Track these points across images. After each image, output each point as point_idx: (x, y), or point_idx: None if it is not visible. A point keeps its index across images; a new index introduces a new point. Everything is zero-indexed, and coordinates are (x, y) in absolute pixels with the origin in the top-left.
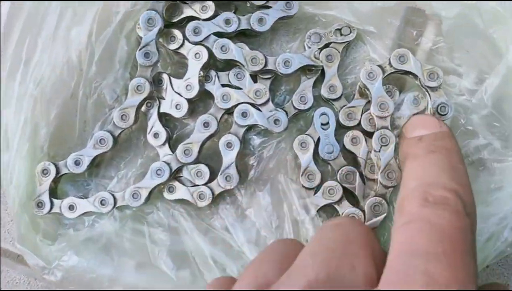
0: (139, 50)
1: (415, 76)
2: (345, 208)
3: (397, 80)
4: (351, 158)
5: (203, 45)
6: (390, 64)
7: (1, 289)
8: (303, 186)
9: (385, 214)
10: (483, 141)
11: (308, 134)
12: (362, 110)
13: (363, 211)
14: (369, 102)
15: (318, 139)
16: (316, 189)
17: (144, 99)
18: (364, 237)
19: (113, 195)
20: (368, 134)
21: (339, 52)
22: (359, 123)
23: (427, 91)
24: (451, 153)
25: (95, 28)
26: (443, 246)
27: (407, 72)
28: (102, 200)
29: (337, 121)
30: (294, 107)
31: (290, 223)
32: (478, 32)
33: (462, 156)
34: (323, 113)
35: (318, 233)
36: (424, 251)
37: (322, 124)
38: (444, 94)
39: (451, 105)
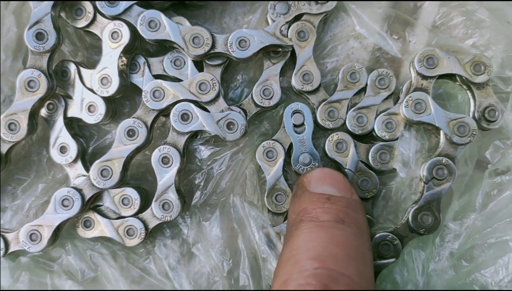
0: (27, 30)
1: (455, 76)
2: None
3: (391, 62)
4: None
5: (122, 20)
6: (417, 72)
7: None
8: (269, 211)
9: (393, 260)
10: None
11: (276, 140)
12: (349, 106)
13: None
14: (357, 94)
15: (290, 146)
16: (287, 214)
17: (42, 100)
18: None
19: (3, 237)
20: (358, 138)
21: (314, 27)
22: (344, 123)
23: (470, 90)
24: (362, 233)
25: None
26: None
27: (444, 75)
28: None
29: (315, 122)
30: (256, 104)
31: (247, 262)
32: None
33: (370, 239)
34: (296, 111)
35: None
36: None
37: (295, 125)
38: (492, 92)
39: (502, 109)
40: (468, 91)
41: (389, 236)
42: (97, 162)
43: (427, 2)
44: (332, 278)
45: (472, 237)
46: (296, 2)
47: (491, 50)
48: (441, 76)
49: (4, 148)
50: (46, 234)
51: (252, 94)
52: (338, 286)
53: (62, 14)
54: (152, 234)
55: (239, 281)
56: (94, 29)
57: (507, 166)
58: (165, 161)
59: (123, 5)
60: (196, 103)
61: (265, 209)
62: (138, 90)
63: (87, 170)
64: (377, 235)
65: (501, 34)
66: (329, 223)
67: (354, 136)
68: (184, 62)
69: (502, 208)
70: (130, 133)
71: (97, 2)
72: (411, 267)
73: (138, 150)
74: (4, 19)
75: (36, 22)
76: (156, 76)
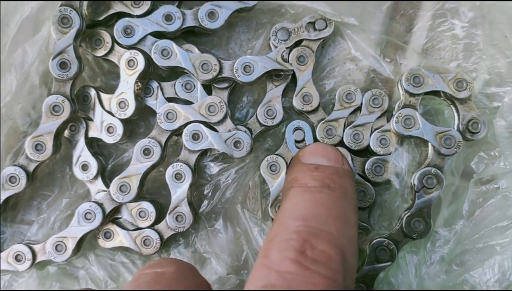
0: (52, 60)
1: (440, 92)
2: None
3: (385, 82)
4: None
5: (138, 49)
6: (405, 90)
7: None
8: (273, 220)
9: (389, 263)
10: (504, 169)
11: (279, 155)
12: (345, 124)
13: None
14: (353, 113)
15: (291, 160)
16: None
17: (66, 123)
18: None
19: (31, 248)
20: (354, 153)
21: (313, 51)
22: (342, 140)
23: (454, 105)
24: (347, 197)
25: None
26: None
27: (430, 92)
28: (17, 254)
29: (315, 138)
30: (260, 123)
31: (252, 260)
32: None
33: (357, 204)
34: (297, 128)
35: (132, 283)
36: None
37: (296, 141)
38: (475, 106)
39: (484, 121)
40: (452, 106)
41: (386, 241)
42: (116, 178)
43: (416, 26)
44: (312, 234)
45: (462, 243)
46: (296, 29)
47: (476, 71)
48: (427, 93)
49: (31, 167)
50: (71, 245)
51: (256, 115)
52: (317, 240)
53: (83, 44)
54: (167, 243)
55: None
56: (112, 58)
57: (491, 175)
58: (178, 176)
59: (138, 36)
60: (206, 124)
61: (265, 218)
62: (152, 112)
63: (107, 185)
64: (375, 241)
65: (488, 53)
66: (316, 188)
67: (351, 151)
68: (194, 86)
69: (488, 215)
70: (146, 152)
71: (114, 33)
72: (405, 270)
73: (153, 167)
74: (33, 53)
75: (60, 53)
76: (169, 99)
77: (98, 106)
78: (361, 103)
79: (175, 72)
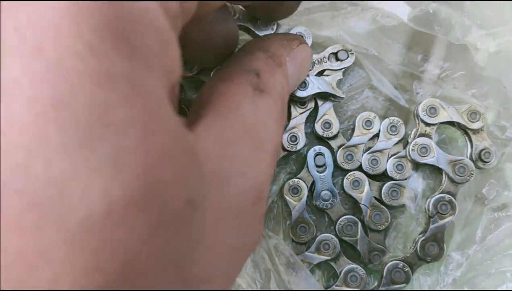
0: None
1: (454, 123)
2: (343, 265)
3: (400, 110)
4: (351, 204)
5: None
6: (421, 120)
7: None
8: (293, 241)
9: (405, 285)
10: None
11: (300, 178)
12: (364, 149)
13: (366, 267)
14: (371, 139)
15: (312, 183)
16: (308, 243)
17: None
18: None
19: None
20: (371, 177)
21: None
22: (360, 165)
23: (468, 135)
24: None
25: None
26: None
27: (444, 122)
28: None
29: (335, 163)
30: (284, 148)
31: (274, 280)
32: None
33: None
34: (318, 153)
35: None
36: None
37: (317, 166)
38: (487, 136)
39: (496, 151)
40: (465, 136)
41: (401, 264)
42: None
43: (432, 56)
44: None
45: (474, 267)
46: (320, 59)
47: (489, 102)
48: (442, 123)
49: None
50: None
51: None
52: None
53: None
54: None
55: None
56: None
57: (502, 204)
58: None
59: None
60: None
61: (287, 238)
62: None
63: None
64: (390, 263)
65: (499, 91)
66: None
67: (369, 175)
68: None
69: (499, 241)
70: None
71: None
72: None
73: None
74: None
75: None
76: None
77: None
78: (379, 130)
79: None
